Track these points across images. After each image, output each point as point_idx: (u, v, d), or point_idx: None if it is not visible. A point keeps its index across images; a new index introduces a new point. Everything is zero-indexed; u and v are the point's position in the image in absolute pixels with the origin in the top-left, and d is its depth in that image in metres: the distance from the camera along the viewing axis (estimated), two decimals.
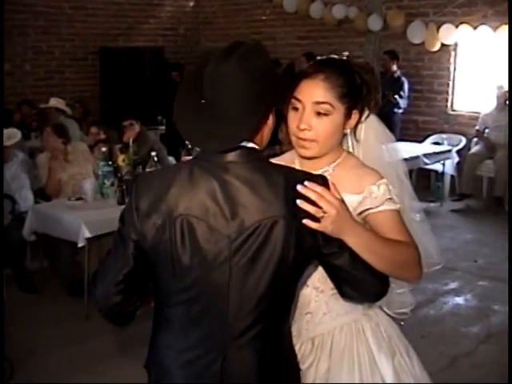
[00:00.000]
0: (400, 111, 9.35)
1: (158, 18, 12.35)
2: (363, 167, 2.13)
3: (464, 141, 9.18)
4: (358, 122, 2.14)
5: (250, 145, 1.79)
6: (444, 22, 9.05)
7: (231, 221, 1.75)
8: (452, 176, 8.93)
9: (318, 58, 2.14)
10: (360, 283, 1.92)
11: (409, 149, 8.30)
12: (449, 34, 9.01)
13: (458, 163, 8.83)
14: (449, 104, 9.73)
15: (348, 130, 2.13)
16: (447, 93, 9.70)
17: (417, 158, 8.00)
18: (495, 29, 8.61)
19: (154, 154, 5.52)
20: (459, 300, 5.57)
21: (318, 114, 2.02)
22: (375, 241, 1.88)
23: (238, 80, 1.72)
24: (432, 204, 8.66)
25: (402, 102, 9.25)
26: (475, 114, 9.20)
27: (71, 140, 6.38)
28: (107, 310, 1.90)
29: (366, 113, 2.15)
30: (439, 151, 8.52)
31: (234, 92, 1.72)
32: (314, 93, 2.02)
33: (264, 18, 11.55)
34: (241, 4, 12.01)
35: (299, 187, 1.75)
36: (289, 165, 2.06)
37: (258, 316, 1.81)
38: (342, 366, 2.17)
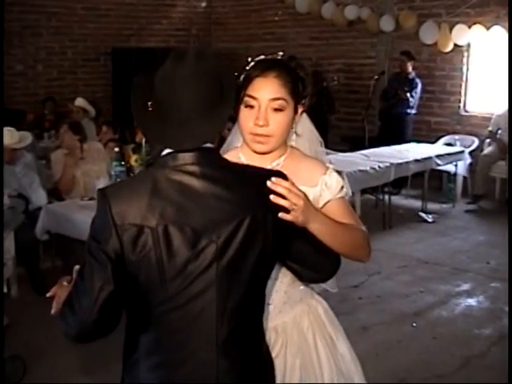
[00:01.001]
0: (413, 112, 9.32)
1: (170, 19, 12.36)
2: (308, 158, 2.28)
3: (476, 142, 9.15)
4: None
5: (208, 145, 1.82)
6: (457, 23, 9.04)
7: (212, 221, 1.75)
8: (464, 177, 8.89)
9: (257, 58, 2.22)
10: (319, 264, 2.05)
11: (421, 150, 8.33)
12: (461, 34, 9.00)
13: (471, 164, 8.79)
14: (461, 105, 9.70)
15: (294, 125, 2.24)
16: (460, 94, 9.67)
17: (429, 159, 7.98)
18: (508, 29, 8.57)
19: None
20: (471, 301, 5.55)
21: (275, 109, 2.12)
22: (335, 226, 2.03)
23: (193, 81, 1.75)
24: (444, 205, 8.64)
25: (413, 102, 9.22)
26: (488, 115, 9.16)
27: (87, 138, 6.42)
28: (83, 334, 1.84)
29: (301, 108, 2.26)
30: (451, 152, 8.48)
31: (192, 93, 1.75)
32: (269, 90, 2.11)
33: (276, 18, 11.54)
34: (253, 5, 12.00)
35: (269, 183, 1.81)
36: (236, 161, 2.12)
37: (242, 314, 1.85)
38: (309, 348, 2.32)
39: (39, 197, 5.91)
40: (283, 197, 1.83)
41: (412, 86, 9.15)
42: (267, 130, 2.12)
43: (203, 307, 1.78)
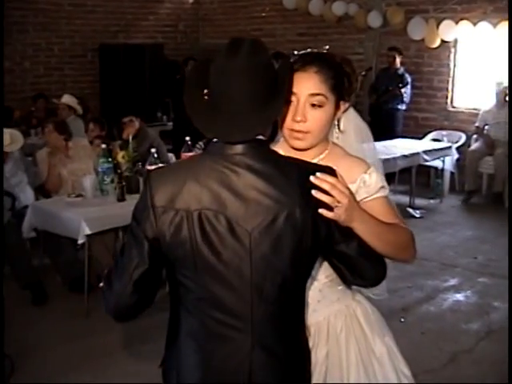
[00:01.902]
0: (403, 107, 9.34)
1: (157, 15, 12.33)
2: (350, 157, 2.21)
3: (464, 137, 9.19)
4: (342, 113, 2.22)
5: (259, 137, 1.82)
6: (444, 19, 9.05)
7: (248, 212, 1.76)
8: (452, 173, 8.93)
9: (302, 52, 2.19)
10: (365, 269, 1.98)
11: (408, 145, 8.35)
12: (449, 30, 9.02)
13: (458, 160, 8.83)
14: (449, 101, 9.72)
15: (336, 122, 2.20)
16: (447, 89, 9.69)
17: (416, 154, 8.01)
18: (495, 25, 8.62)
19: (153, 150, 5.51)
20: (459, 297, 5.57)
21: (313, 105, 2.07)
22: (380, 226, 1.96)
23: (249, 74, 1.74)
24: (432, 201, 8.67)
25: (406, 98, 9.26)
26: (475, 111, 9.20)
27: (72, 136, 6.38)
28: (120, 309, 1.90)
29: (347, 104, 2.21)
30: (439, 148, 8.52)
31: (247, 86, 1.75)
32: (309, 85, 2.07)
33: (264, 14, 11.54)
34: (240, 1, 11.99)
35: (312, 178, 1.79)
36: None
37: (279, 307, 1.84)
38: (340, 351, 2.27)
39: (27, 196, 5.90)
40: (327, 193, 1.79)
41: (404, 81, 9.19)
42: (305, 126, 2.08)
43: (238, 297, 1.81)
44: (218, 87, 1.78)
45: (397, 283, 5.75)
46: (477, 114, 9.02)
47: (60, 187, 6.05)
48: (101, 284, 1.96)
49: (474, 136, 9.03)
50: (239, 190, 1.76)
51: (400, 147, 8.12)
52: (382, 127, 9.15)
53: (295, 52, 2.18)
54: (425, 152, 8.13)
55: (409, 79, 9.22)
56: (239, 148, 1.78)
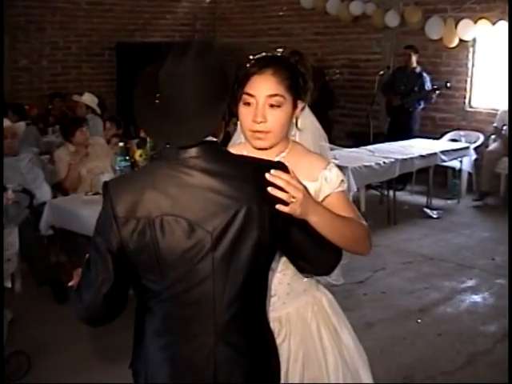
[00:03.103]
0: (421, 106, 9.28)
1: (174, 14, 12.36)
2: (310, 153, 2.32)
3: (482, 138, 9.12)
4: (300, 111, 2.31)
5: (210, 138, 1.86)
6: (462, 18, 8.99)
7: (208, 213, 1.81)
8: (469, 173, 8.87)
9: (256, 56, 2.26)
10: (318, 259, 2.08)
11: (426, 145, 8.30)
12: (467, 29, 8.96)
13: (476, 160, 8.76)
14: (467, 101, 9.66)
15: (294, 120, 2.28)
16: (465, 89, 9.63)
17: (434, 154, 7.95)
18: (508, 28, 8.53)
19: None
20: (476, 298, 5.54)
21: (272, 106, 2.16)
22: (334, 219, 2.04)
23: (195, 77, 1.79)
24: (449, 201, 8.62)
25: (433, 99, 9.25)
26: (493, 111, 9.13)
27: (91, 135, 6.42)
28: (92, 318, 1.99)
29: (303, 103, 2.29)
30: (456, 148, 8.46)
31: (194, 89, 1.80)
32: (266, 86, 2.16)
33: (281, 14, 11.51)
34: (258, 0, 11.98)
35: (268, 175, 1.84)
36: None
37: (242, 303, 1.90)
38: (312, 337, 2.37)
39: (44, 192, 5.91)
40: (282, 189, 1.84)
41: (423, 80, 9.12)
42: (265, 127, 2.17)
43: (200, 296, 1.86)
44: (166, 92, 1.83)
45: (413, 284, 5.74)
46: (495, 115, 8.95)
47: (78, 185, 6.07)
48: (70, 283, 2.03)
49: (492, 136, 8.97)
50: (197, 193, 1.81)
51: (417, 147, 8.08)
52: (401, 127, 9.12)
53: (251, 56, 2.26)
54: (442, 152, 8.08)
55: (427, 79, 9.16)
56: (193, 151, 1.83)
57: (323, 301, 2.44)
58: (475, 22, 8.89)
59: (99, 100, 8.95)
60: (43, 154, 6.88)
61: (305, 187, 1.92)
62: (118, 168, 5.54)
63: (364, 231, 2.18)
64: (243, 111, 2.20)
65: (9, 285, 5.08)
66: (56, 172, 6.28)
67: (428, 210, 8.02)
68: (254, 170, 1.87)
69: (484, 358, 4.51)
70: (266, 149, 2.24)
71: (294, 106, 2.22)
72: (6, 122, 5.76)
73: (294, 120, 2.28)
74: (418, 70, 9.23)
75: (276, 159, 2.19)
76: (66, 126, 6.38)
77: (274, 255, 2.02)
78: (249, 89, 2.17)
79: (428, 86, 9.13)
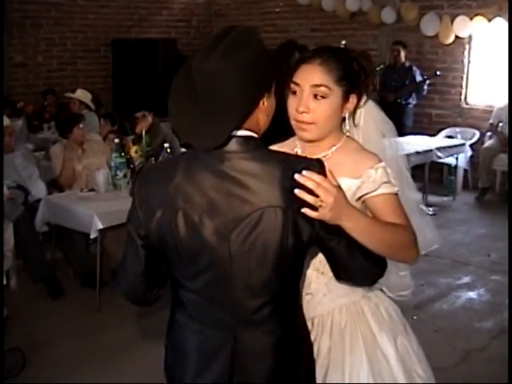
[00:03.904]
0: (414, 102, 9.31)
1: (170, 10, 12.32)
2: (363, 151, 2.19)
3: (477, 135, 9.12)
4: (357, 106, 2.21)
5: (246, 133, 1.81)
6: (458, 15, 8.98)
7: (228, 212, 1.77)
8: (465, 170, 8.88)
9: (315, 47, 2.21)
10: (354, 269, 1.96)
11: (422, 142, 8.30)
12: (463, 26, 8.95)
13: (472, 157, 8.78)
14: (462, 97, 9.65)
15: (346, 114, 2.19)
16: (461, 86, 9.62)
17: (430, 151, 7.97)
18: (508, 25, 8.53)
19: (166, 145, 5.51)
20: (472, 295, 5.54)
21: (316, 96, 2.09)
22: (372, 225, 1.93)
23: (221, 75, 1.73)
24: (445, 198, 8.63)
25: (424, 91, 9.30)
26: (489, 108, 9.13)
27: (87, 131, 6.41)
28: (137, 300, 2.07)
29: (364, 98, 2.23)
30: (452, 145, 8.46)
31: (220, 86, 1.74)
32: (312, 76, 2.09)
33: (277, 10, 11.51)
34: None
35: (297, 176, 1.75)
36: (291, 150, 2.18)
37: (267, 298, 1.85)
38: (343, 345, 2.25)
39: (39, 189, 5.90)
40: (312, 191, 1.75)
41: (413, 73, 9.20)
42: (309, 117, 2.10)
43: (218, 294, 1.85)
44: (197, 87, 1.78)
45: None
46: (491, 111, 8.95)
47: (74, 182, 6.06)
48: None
49: (488, 133, 8.97)
50: (221, 191, 1.78)
51: (413, 144, 8.06)
52: (394, 123, 9.09)
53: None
54: (438, 149, 8.08)
55: (417, 71, 9.21)
56: (225, 147, 1.78)
57: (365, 308, 2.30)
58: (471, 19, 8.88)
59: (93, 96, 8.91)
60: (40, 151, 6.86)
61: (341, 189, 1.83)
62: (113, 164, 5.54)
63: (408, 238, 2.03)
64: (290, 100, 2.14)
65: (4, 282, 5.07)
66: (51, 168, 6.26)
67: (424, 207, 7.99)
68: (284, 171, 1.77)
69: (480, 354, 4.52)
70: (313, 141, 2.16)
71: (345, 100, 2.14)
72: (5, 121, 5.74)
73: (347, 114, 2.19)
74: (407, 64, 9.34)
75: (323, 154, 2.15)
76: (62, 122, 6.34)
77: (304, 255, 1.93)
78: (295, 77, 2.12)
79: (418, 78, 9.20)
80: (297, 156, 1.97)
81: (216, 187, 1.78)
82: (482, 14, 8.80)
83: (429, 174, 8.29)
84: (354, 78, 2.14)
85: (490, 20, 8.73)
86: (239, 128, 1.79)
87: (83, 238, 5.47)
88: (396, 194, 2.12)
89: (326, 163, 1.85)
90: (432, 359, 4.35)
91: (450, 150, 8.32)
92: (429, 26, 9.25)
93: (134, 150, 5.85)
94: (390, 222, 2.02)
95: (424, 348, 4.48)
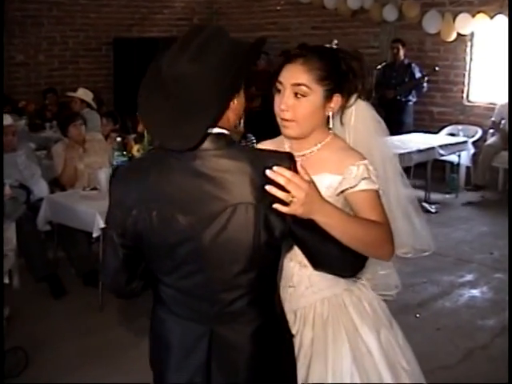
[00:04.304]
0: (414, 99, 9.30)
1: (171, 9, 12.32)
2: (348, 150, 2.22)
3: (480, 132, 9.12)
4: (344, 106, 2.25)
5: (217, 130, 1.83)
6: (460, 12, 8.97)
7: (201, 208, 1.80)
8: (467, 167, 8.87)
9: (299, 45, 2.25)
10: (328, 256, 2.01)
11: (424, 140, 8.29)
12: (465, 23, 8.93)
13: (474, 154, 8.76)
14: (465, 95, 9.64)
15: (330, 113, 2.21)
16: (463, 83, 9.61)
17: (432, 149, 7.95)
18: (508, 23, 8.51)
19: None
20: (475, 292, 5.54)
21: (296, 95, 2.13)
22: (345, 220, 1.96)
23: (192, 78, 1.75)
24: (447, 196, 8.62)
25: (424, 88, 9.28)
26: (491, 105, 9.12)
27: (88, 130, 6.41)
28: (120, 294, 2.12)
29: (353, 98, 2.25)
30: (455, 142, 8.45)
31: (192, 89, 1.75)
32: (293, 75, 2.14)
33: (278, 8, 11.49)
34: None
35: (268, 172, 1.78)
36: (281, 146, 2.25)
37: (243, 290, 1.89)
38: (326, 337, 2.27)
39: (41, 188, 5.90)
40: (283, 187, 1.79)
41: (413, 70, 9.21)
42: (290, 115, 2.15)
43: (194, 287, 1.89)
44: (168, 89, 1.79)
45: (412, 278, 5.72)
46: (493, 109, 8.95)
47: (76, 181, 6.06)
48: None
49: (491, 130, 8.96)
50: (194, 188, 1.81)
51: (416, 141, 8.07)
52: (394, 121, 9.10)
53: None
54: (440, 146, 8.07)
55: (416, 68, 9.22)
56: (200, 144, 1.79)
57: (346, 301, 2.32)
58: (473, 16, 8.86)
59: (95, 95, 8.91)
60: (41, 150, 6.86)
61: (313, 184, 1.86)
62: (115, 163, 5.52)
63: (384, 236, 2.06)
64: (275, 98, 2.20)
65: (6, 281, 5.07)
66: (53, 167, 6.26)
67: (426, 205, 7.99)
68: (255, 166, 1.81)
69: (482, 352, 4.51)
70: (296, 138, 2.22)
71: (328, 99, 2.17)
72: (8, 120, 5.73)
73: (331, 113, 2.21)
74: (406, 61, 9.36)
75: (310, 150, 2.22)
76: (60, 121, 6.37)
77: (279, 249, 1.97)
78: (280, 76, 2.17)
79: (418, 75, 9.20)
80: (269, 151, 1.98)
81: (189, 185, 1.81)
82: (483, 12, 8.79)
83: (431, 172, 8.28)
84: (339, 77, 2.17)
85: (491, 17, 8.72)
86: (213, 127, 1.81)
87: (85, 237, 5.47)
88: (376, 191, 2.15)
89: (297, 159, 1.90)
90: (435, 357, 4.36)
91: (452, 148, 8.30)
92: (431, 23, 9.24)
93: (135, 149, 5.85)
94: (367, 218, 2.06)
95: (427, 346, 4.49)
